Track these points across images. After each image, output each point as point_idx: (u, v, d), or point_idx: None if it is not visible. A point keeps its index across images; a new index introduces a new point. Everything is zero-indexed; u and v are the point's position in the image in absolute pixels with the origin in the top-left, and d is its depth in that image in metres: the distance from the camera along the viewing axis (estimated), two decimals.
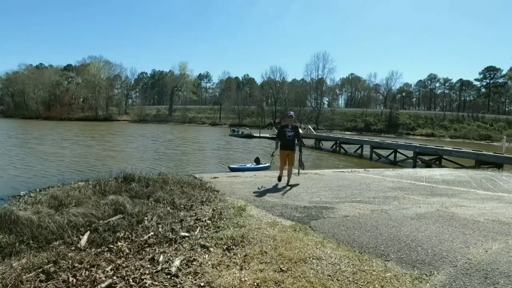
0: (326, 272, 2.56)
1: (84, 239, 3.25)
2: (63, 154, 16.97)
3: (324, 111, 65.52)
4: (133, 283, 2.39)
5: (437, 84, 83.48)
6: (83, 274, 2.50)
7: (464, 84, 78.69)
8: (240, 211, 4.30)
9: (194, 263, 2.72)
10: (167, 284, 2.38)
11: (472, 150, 15.94)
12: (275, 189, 6.14)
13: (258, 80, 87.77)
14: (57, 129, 37.26)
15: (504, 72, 69.87)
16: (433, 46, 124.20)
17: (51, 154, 16.72)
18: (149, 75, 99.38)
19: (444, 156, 16.48)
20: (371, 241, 3.28)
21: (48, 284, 2.37)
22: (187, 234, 3.40)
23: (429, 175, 8.75)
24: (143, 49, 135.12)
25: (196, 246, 3.08)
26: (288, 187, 6.33)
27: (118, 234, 3.38)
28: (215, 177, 7.42)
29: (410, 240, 3.31)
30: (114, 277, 2.46)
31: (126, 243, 3.17)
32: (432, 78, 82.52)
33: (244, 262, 2.71)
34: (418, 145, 18.49)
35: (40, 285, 2.36)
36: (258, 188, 6.08)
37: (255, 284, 2.34)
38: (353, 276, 2.51)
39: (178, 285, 2.38)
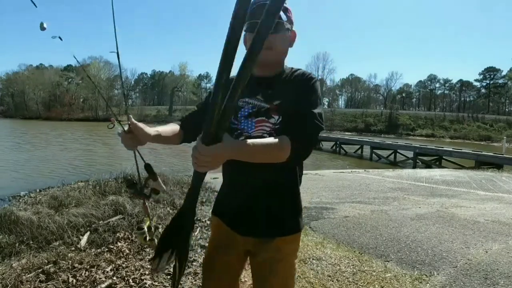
0: (326, 272, 2.56)
1: (84, 240, 3.25)
2: (107, 151, 17.09)
3: (324, 112, 65.19)
4: (133, 284, 2.39)
5: (437, 85, 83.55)
6: (83, 274, 2.50)
7: (464, 85, 78.71)
8: None
9: (194, 263, 2.72)
10: (167, 285, 2.38)
11: (472, 151, 15.94)
12: None
13: None
14: (68, 129, 37.32)
15: (504, 73, 69.97)
16: (433, 47, 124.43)
17: (92, 151, 16.88)
18: (149, 76, 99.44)
19: (444, 157, 16.48)
20: (371, 242, 3.28)
21: (48, 284, 2.37)
22: None
23: (429, 176, 8.75)
24: (143, 49, 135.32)
25: (196, 246, 3.08)
26: None
27: (118, 234, 3.38)
28: (215, 178, 7.41)
29: (410, 240, 3.31)
30: (114, 278, 2.46)
31: (126, 243, 3.17)
32: (432, 78, 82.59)
33: None
34: (418, 145, 18.49)
35: (40, 285, 2.36)
36: None
37: None
38: (353, 276, 2.50)
39: (178, 286, 2.38)
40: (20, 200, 6.02)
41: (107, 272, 2.55)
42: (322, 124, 1.02)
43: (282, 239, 1.09)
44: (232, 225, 1.13)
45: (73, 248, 3.06)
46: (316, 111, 1.02)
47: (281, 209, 1.10)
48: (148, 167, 1.18)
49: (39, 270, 2.53)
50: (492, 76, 72.08)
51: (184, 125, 1.20)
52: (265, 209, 1.09)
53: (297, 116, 1.00)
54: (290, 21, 1.11)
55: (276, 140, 0.92)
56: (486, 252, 3.02)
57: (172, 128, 1.16)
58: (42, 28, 1.02)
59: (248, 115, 1.08)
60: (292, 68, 1.16)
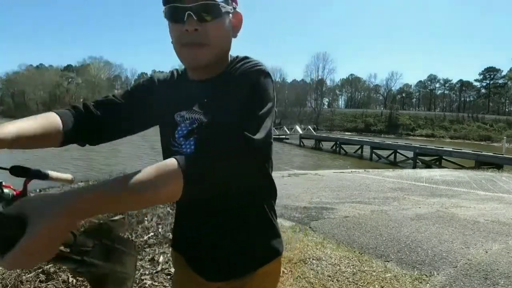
0: (326, 272, 2.56)
1: None
2: (109, 150, 17.10)
3: (324, 112, 65.59)
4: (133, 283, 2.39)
5: (437, 85, 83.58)
6: None
7: (464, 85, 78.73)
8: None
9: None
10: (167, 285, 2.38)
11: (472, 151, 15.95)
12: None
13: None
14: None
15: (504, 73, 70.00)
16: (433, 47, 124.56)
17: (95, 150, 16.90)
18: (149, 76, 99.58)
19: (444, 157, 16.49)
20: (371, 242, 3.28)
21: (48, 284, 2.37)
22: None
23: (429, 176, 8.75)
24: (143, 49, 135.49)
25: None
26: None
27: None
28: None
29: (410, 240, 3.31)
30: None
31: None
32: (432, 78, 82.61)
33: None
34: (418, 145, 18.49)
35: (40, 285, 2.36)
36: None
37: None
38: (353, 276, 2.50)
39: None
40: None
41: None
42: (253, 137, 0.59)
43: (256, 274, 0.79)
44: (191, 266, 0.84)
45: None
46: (248, 121, 0.61)
47: (250, 238, 0.80)
48: (16, 170, 0.80)
49: (39, 270, 2.53)
50: (492, 76, 72.10)
51: (74, 115, 0.77)
52: (227, 242, 0.79)
53: (213, 126, 0.66)
54: None
55: (154, 170, 0.51)
56: (486, 252, 3.02)
57: (41, 122, 0.68)
58: None
59: (187, 134, 0.76)
60: (236, 58, 0.77)
